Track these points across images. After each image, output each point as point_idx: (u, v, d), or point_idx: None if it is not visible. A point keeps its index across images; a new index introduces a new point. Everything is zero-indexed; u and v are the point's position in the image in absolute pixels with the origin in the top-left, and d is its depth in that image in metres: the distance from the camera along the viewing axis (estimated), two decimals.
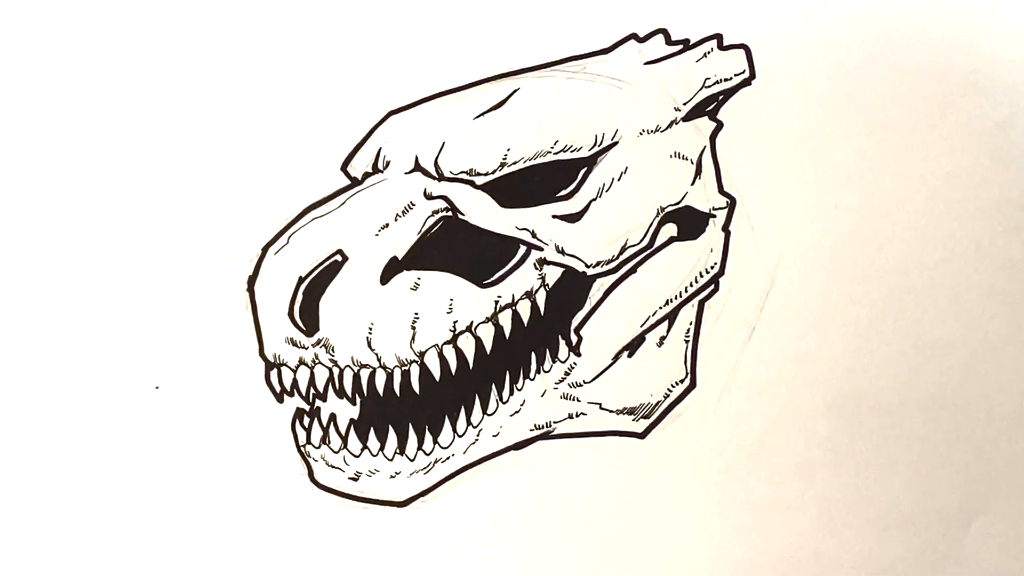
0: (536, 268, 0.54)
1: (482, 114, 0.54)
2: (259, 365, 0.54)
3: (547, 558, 0.55)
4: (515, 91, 0.54)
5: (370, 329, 0.53)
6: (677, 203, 0.55)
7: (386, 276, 0.53)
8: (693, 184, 0.55)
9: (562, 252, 0.54)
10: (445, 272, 0.54)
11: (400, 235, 0.54)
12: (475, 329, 0.54)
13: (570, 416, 0.55)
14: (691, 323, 0.56)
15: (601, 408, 0.55)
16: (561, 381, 0.55)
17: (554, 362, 0.55)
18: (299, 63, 0.54)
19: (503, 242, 0.54)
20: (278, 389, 0.54)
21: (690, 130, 0.55)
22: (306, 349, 0.53)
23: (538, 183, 0.54)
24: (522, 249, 0.54)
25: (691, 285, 0.55)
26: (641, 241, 0.55)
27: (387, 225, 0.54)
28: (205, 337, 0.54)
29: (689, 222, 0.55)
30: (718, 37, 0.56)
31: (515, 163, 0.54)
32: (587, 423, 0.55)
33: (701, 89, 0.55)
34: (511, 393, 0.55)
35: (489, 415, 0.55)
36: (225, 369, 0.54)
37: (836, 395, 0.57)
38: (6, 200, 0.54)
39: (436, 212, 0.54)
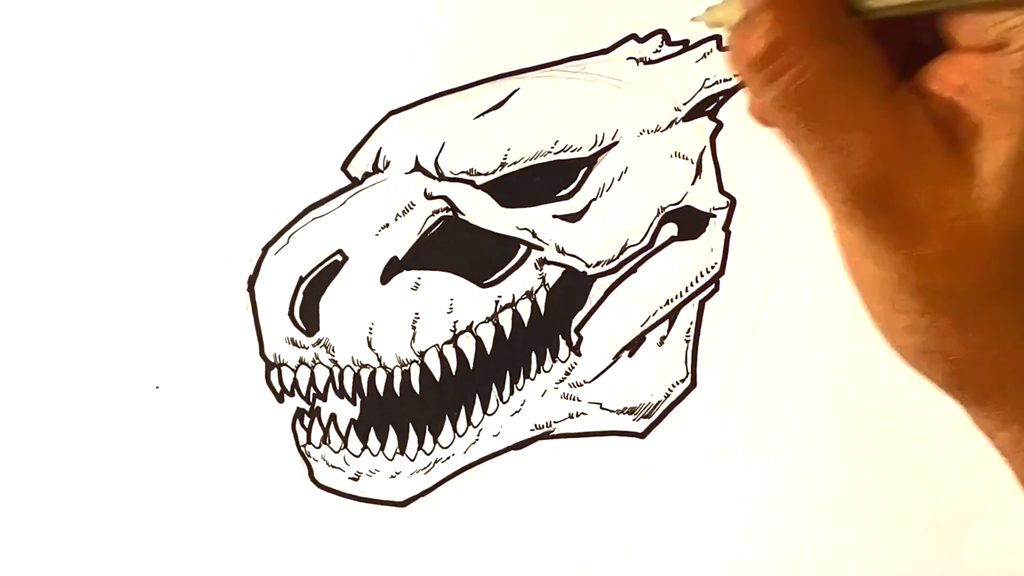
0: (536, 268, 0.54)
1: (482, 114, 0.54)
2: (259, 365, 0.54)
3: (547, 558, 0.55)
4: (515, 91, 0.54)
5: (370, 329, 0.53)
6: (677, 203, 0.55)
7: (386, 276, 0.54)
8: (693, 184, 0.55)
9: (562, 252, 0.54)
10: (445, 272, 0.54)
11: (400, 235, 0.54)
12: (475, 329, 0.54)
13: (570, 416, 0.55)
14: (691, 323, 0.56)
15: (601, 408, 0.55)
16: (561, 381, 0.55)
17: (554, 362, 0.55)
18: (299, 63, 0.54)
19: (503, 242, 0.54)
20: (278, 389, 0.54)
21: (690, 130, 0.55)
22: (306, 349, 0.53)
23: (538, 183, 0.54)
24: (522, 249, 0.54)
25: (691, 285, 0.55)
26: (641, 241, 0.55)
27: (387, 225, 0.54)
28: (205, 337, 0.54)
29: (689, 222, 0.55)
30: (718, 38, 0.56)
31: (515, 163, 0.54)
32: (587, 423, 0.55)
33: (701, 89, 0.55)
34: (511, 393, 0.55)
35: (489, 415, 0.55)
36: (225, 369, 0.54)
37: (836, 395, 0.57)
38: (6, 200, 0.54)
39: (436, 212, 0.54)
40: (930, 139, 0.34)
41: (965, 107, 0.34)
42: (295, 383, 0.53)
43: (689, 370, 0.56)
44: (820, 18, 0.35)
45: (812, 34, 0.35)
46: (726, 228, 0.56)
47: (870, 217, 0.35)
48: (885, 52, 0.36)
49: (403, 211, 0.54)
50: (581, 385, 0.55)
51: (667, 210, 0.55)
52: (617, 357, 0.55)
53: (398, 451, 0.54)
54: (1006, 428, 0.38)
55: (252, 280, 0.54)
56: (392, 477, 0.54)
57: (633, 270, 0.55)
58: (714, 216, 0.56)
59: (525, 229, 0.54)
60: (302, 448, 0.54)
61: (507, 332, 0.54)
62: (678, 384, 0.56)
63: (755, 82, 0.36)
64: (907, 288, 0.36)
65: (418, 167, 0.54)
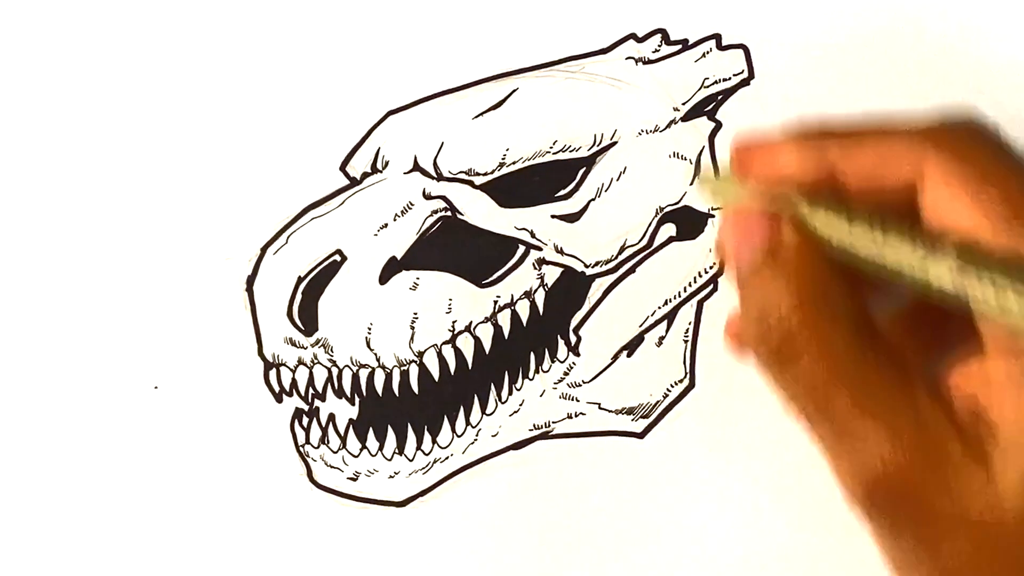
0: (535, 268, 0.54)
1: (481, 114, 0.54)
2: (258, 365, 0.54)
3: (547, 558, 0.55)
4: (514, 91, 0.54)
5: (369, 329, 0.53)
6: (676, 203, 0.55)
7: (385, 276, 0.54)
8: (692, 184, 0.55)
9: (561, 252, 0.54)
10: (444, 272, 0.54)
11: (399, 235, 0.54)
12: (474, 329, 0.54)
13: (569, 416, 0.55)
14: (690, 323, 0.55)
15: (600, 408, 0.55)
16: (560, 381, 0.55)
17: (553, 362, 0.55)
18: (298, 63, 0.54)
19: (502, 242, 0.54)
20: (277, 389, 0.54)
21: (689, 130, 0.55)
22: (305, 349, 0.53)
23: (537, 183, 0.54)
24: (521, 249, 0.54)
25: (690, 285, 0.55)
26: (640, 241, 0.55)
27: (386, 225, 0.54)
28: (204, 337, 0.54)
29: (688, 222, 0.55)
30: (717, 37, 0.56)
31: (514, 163, 0.54)
32: (586, 423, 0.55)
33: (700, 89, 0.55)
34: (510, 393, 0.55)
35: (488, 415, 0.55)
36: (224, 369, 0.54)
37: None
38: (6, 200, 0.54)
39: (435, 212, 0.54)
40: (949, 440, 0.32)
41: (986, 414, 0.32)
42: (294, 383, 0.54)
43: (688, 370, 0.55)
44: (839, 301, 0.33)
45: (828, 318, 0.33)
46: None
47: (889, 515, 0.33)
48: (915, 345, 0.34)
49: (402, 211, 0.54)
50: (580, 385, 0.55)
51: (666, 210, 0.55)
52: (616, 357, 0.55)
53: (396, 451, 0.54)
54: None
55: (251, 280, 0.54)
56: (391, 477, 0.54)
57: (632, 270, 0.55)
58: (713, 216, 0.55)
59: (524, 229, 0.54)
60: (300, 448, 0.54)
61: (506, 332, 0.54)
62: (677, 384, 0.56)
63: (766, 371, 0.34)
64: (925, 572, 0.33)
65: (417, 167, 0.54)
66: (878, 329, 0.34)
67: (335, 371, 0.53)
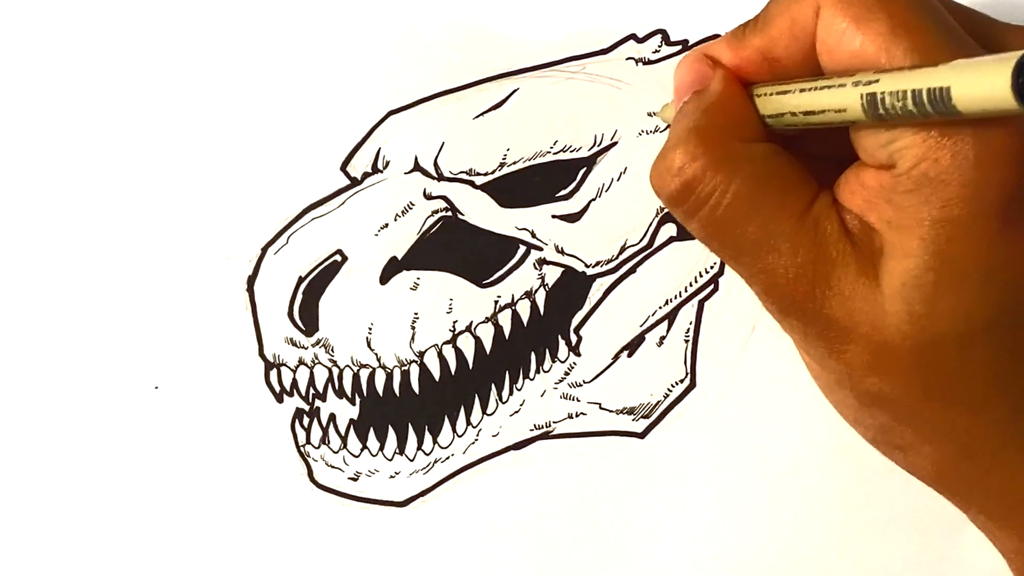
0: (536, 268, 0.54)
1: (481, 114, 0.54)
2: (259, 365, 0.54)
3: (547, 558, 0.55)
4: (514, 91, 0.54)
5: (370, 329, 0.53)
6: None
7: (386, 276, 0.54)
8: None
9: (562, 252, 0.54)
10: (445, 272, 0.54)
11: (400, 235, 0.54)
12: (475, 329, 0.54)
13: (570, 416, 0.55)
14: (691, 323, 0.56)
15: (601, 408, 0.55)
16: (561, 381, 0.55)
17: (554, 362, 0.55)
18: (299, 63, 0.54)
19: (503, 242, 0.54)
20: (277, 389, 0.54)
21: None
22: (306, 349, 0.53)
23: (537, 183, 0.54)
24: (522, 249, 0.54)
25: (691, 285, 0.55)
26: (640, 241, 0.55)
27: (387, 225, 0.54)
28: (204, 337, 0.54)
29: None
30: (717, 38, 0.56)
31: (515, 163, 0.54)
32: (587, 423, 0.55)
33: None
34: (511, 393, 0.55)
35: (489, 415, 0.55)
36: (224, 369, 0.54)
37: None
38: (6, 200, 0.54)
39: (436, 212, 0.54)
40: (843, 255, 0.35)
41: (870, 223, 0.34)
42: (294, 383, 0.54)
43: (688, 370, 0.56)
44: (730, 150, 0.36)
45: (724, 167, 0.36)
46: None
47: (800, 328, 0.36)
48: (804, 163, 0.37)
49: (402, 211, 0.54)
50: (580, 385, 0.55)
51: (666, 210, 0.55)
52: (616, 357, 0.55)
53: (397, 451, 0.54)
54: (974, 518, 0.38)
55: (251, 280, 0.54)
56: (391, 477, 0.54)
57: (632, 270, 0.55)
58: None
59: (524, 229, 0.54)
60: (301, 448, 0.54)
61: (506, 332, 0.54)
62: (677, 384, 0.56)
63: (676, 216, 0.38)
64: (846, 388, 0.36)
65: (417, 167, 0.54)
66: (778, 160, 0.37)
67: (336, 371, 0.53)
